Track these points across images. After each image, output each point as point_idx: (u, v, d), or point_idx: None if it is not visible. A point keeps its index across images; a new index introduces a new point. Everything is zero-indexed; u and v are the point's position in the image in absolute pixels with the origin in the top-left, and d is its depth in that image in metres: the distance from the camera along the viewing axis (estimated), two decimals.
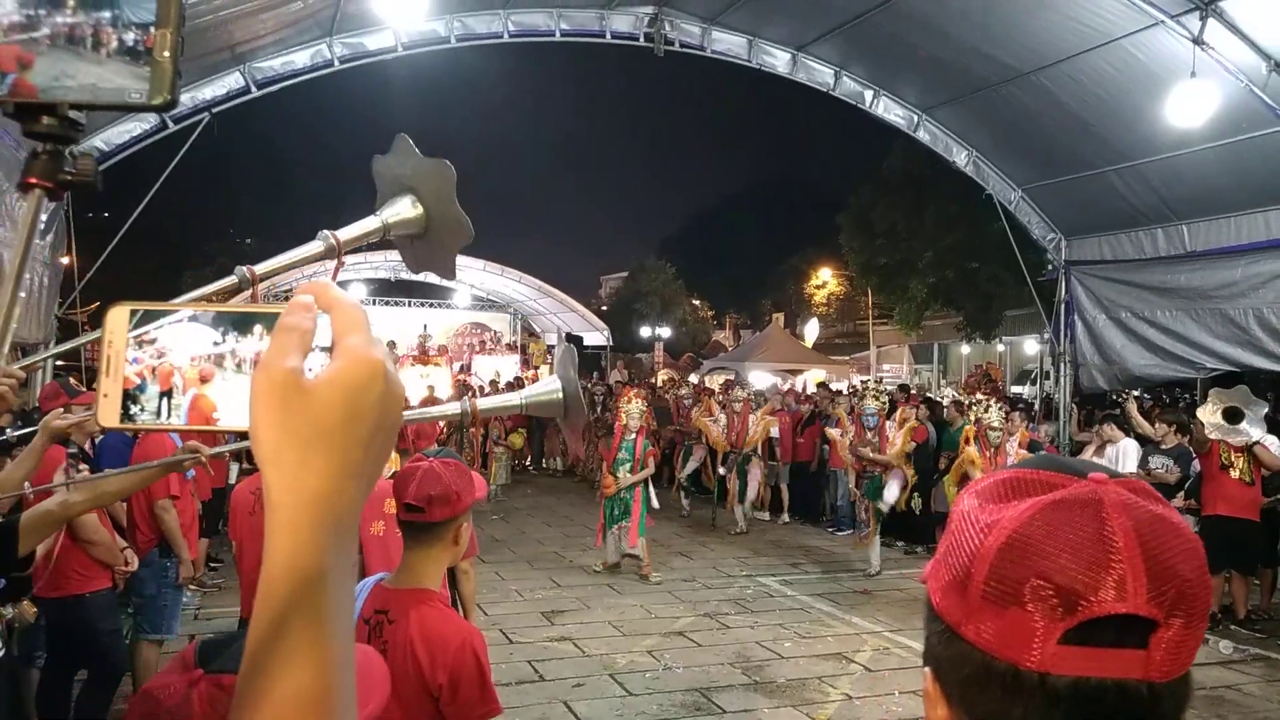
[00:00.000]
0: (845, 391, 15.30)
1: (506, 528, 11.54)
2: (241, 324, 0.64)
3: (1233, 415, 7.59)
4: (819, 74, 10.40)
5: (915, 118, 10.71)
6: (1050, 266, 11.35)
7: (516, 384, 19.08)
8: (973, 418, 8.41)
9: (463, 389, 17.33)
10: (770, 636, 7.09)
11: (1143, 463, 8.48)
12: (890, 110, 10.68)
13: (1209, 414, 7.68)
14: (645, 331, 37.11)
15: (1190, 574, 0.70)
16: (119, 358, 0.64)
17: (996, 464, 7.84)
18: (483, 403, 1.05)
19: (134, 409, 0.64)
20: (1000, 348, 26.85)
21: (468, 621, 2.62)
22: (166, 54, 0.67)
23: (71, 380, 5.38)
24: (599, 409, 15.61)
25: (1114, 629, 0.67)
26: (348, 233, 1.08)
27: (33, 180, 0.71)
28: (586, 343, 28.22)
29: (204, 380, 0.64)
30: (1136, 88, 8.30)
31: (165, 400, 0.64)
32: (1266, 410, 8.06)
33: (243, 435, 0.67)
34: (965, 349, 27.84)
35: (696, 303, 45.88)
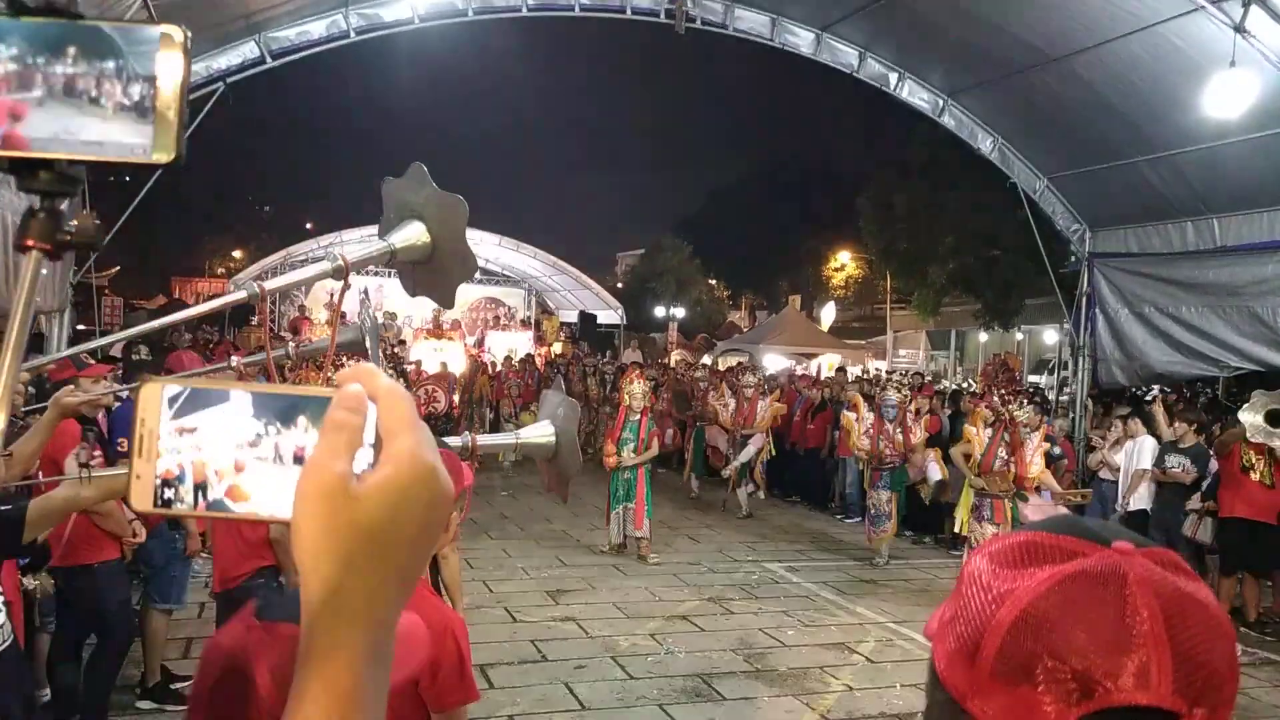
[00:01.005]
0: (860, 376, 15.17)
1: (515, 505, 11.53)
2: (285, 414, 0.61)
3: (1276, 418, 7.38)
4: (843, 55, 10.20)
5: (941, 102, 10.50)
6: (1074, 258, 11.14)
7: (529, 361, 19.06)
8: (1009, 414, 7.90)
9: (476, 364, 17.34)
10: (773, 624, 7.04)
11: (1159, 461, 8.34)
12: (915, 94, 10.48)
13: (1251, 415, 7.47)
14: (660, 311, 36.99)
15: (1220, 663, 0.63)
16: (152, 438, 0.61)
17: (1016, 458, 7.65)
18: (483, 439, 1.04)
19: (168, 493, 0.61)
20: (1019, 336, 26.60)
21: (450, 607, 2.57)
22: (171, 108, 0.64)
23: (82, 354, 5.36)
24: (608, 388, 15.57)
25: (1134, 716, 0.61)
26: (355, 254, 1.07)
27: (30, 242, 0.69)
28: (600, 321, 28.16)
29: (238, 470, 0.61)
30: (1173, 75, 8.07)
31: (200, 491, 0.61)
32: None
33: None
34: (983, 337, 27.57)
35: (712, 283, 45.68)
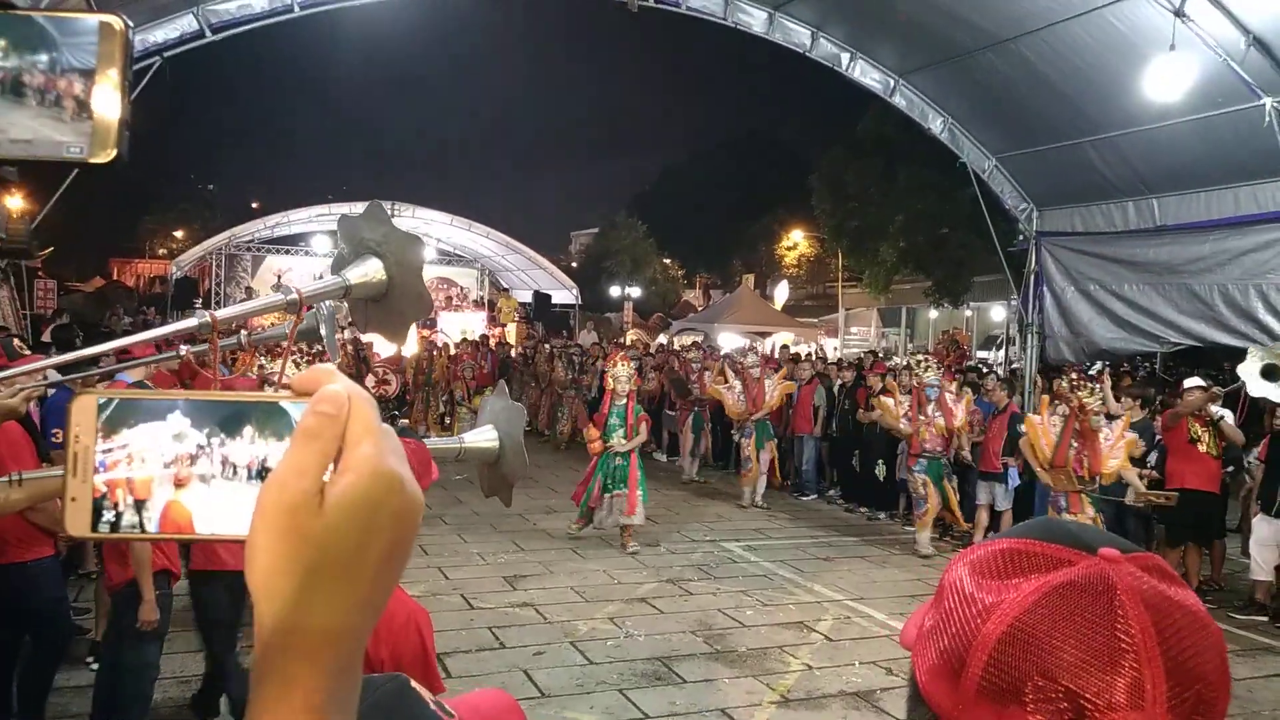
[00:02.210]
0: (813, 355, 15.29)
1: (471, 490, 11.46)
2: (230, 422, 0.56)
3: (1271, 372, 7.34)
4: (796, 34, 10.20)
5: (892, 82, 10.57)
6: (1021, 237, 11.34)
7: (483, 341, 18.89)
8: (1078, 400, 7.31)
9: (429, 346, 17.13)
10: (732, 604, 7.11)
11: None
12: (867, 74, 10.53)
13: (1247, 368, 7.45)
14: (615, 291, 36.91)
15: (1213, 674, 0.62)
16: (87, 455, 0.56)
17: (1090, 451, 7.16)
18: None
19: (107, 515, 0.56)
20: (968, 313, 27.07)
21: (413, 599, 2.55)
22: (111, 104, 0.61)
23: (15, 341, 5.18)
24: (576, 370, 15.38)
25: None
26: (311, 289, 1.03)
27: None
28: (555, 300, 28.01)
29: (179, 486, 0.56)
30: (1115, 59, 8.22)
31: (140, 510, 0.57)
32: None
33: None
34: (933, 314, 28.01)
35: (667, 262, 45.67)
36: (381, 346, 18.30)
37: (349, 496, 0.50)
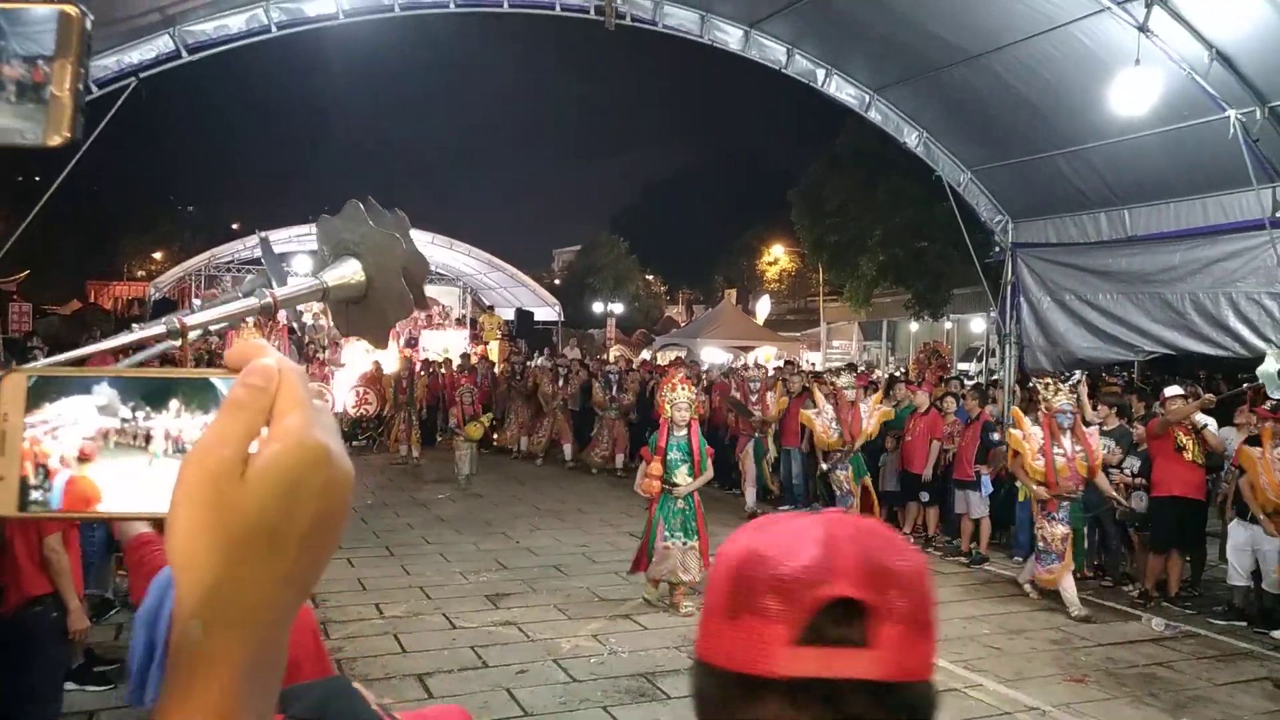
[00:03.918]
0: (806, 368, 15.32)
1: (452, 508, 11.41)
2: (155, 395, 0.56)
3: None
4: (771, 51, 10.30)
5: (867, 97, 10.68)
6: (997, 249, 11.46)
7: (465, 360, 18.85)
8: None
9: (410, 365, 17.06)
10: None
11: None
12: (842, 89, 10.64)
13: (1267, 370, 7.50)
14: (598, 307, 36.95)
15: (905, 571, 0.72)
16: (16, 434, 0.55)
17: (841, 420, 8.03)
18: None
19: (35, 494, 0.55)
20: (948, 325, 27.25)
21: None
22: (66, 87, 0.60)
23: None
24: (614, 389, 14.42)
25: (836, 622, 0.69)
26: (286, 292, 1.01)
27: None
28: (538, 318, 28.00)
29: (83, 459, 0.55)
30: (1083, 73, 8.35)
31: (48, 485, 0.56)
32: None
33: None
34: (914, 326, 28.18)
35: (650, 278, 45.80)
36: (362, 365, 18.24)
37: (273, 465, 0.49)
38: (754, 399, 11.77)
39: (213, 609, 0.48)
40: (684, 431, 7.44)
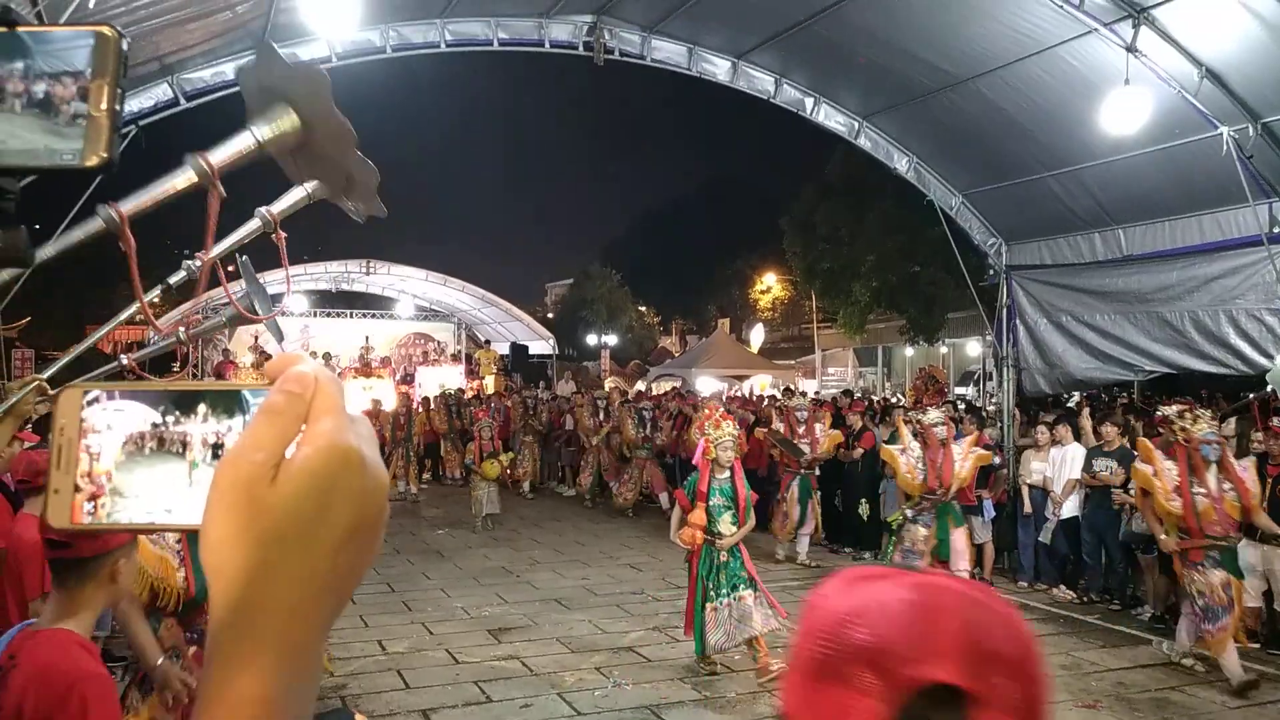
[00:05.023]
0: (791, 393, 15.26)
1: (451, 542, 11.30)
2: (184, 402, 0.56)
3: None
4: (759, 81, 10.38)
5: (856, 125, 10.76)
6: (991, 271, 11.47)
7: (459, 394, 18.79)
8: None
9: (408, 401, 16.99)
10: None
11: (1087, 466, 8.61)
12: (831, 117, 10.71)
13: (1277, 376, 7.20)
14: (592, 339, 36.96)
15: (1012, 655, 0.68)
16: (71, 448, 0.56)
17: (929, 460, 7.72)
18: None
19: (89, 506, 0.56)
20: (943, 350, 27.30)
21: (89, 660, 2.16)
22: (104, 108, 0.61)
23: None
24: (647, 428, 13.41)
25: (935, 705, 0.65)
26: (219, 154, 0.95)
27: None
28: (533, 351, 28.01)
29: (109, 475, 0.56)
30: (1072, 94, 8.41)
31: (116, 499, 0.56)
32: None
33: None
34: (909, 351, 28.22)
35: (643, 309, 45.86)
36: (358, 402, 18.14)
37: (304, 468, 0.49)
38: (800, 430, 10.49)
39: (243, 612, 0.48)
40: (727, 473, 6.57)
